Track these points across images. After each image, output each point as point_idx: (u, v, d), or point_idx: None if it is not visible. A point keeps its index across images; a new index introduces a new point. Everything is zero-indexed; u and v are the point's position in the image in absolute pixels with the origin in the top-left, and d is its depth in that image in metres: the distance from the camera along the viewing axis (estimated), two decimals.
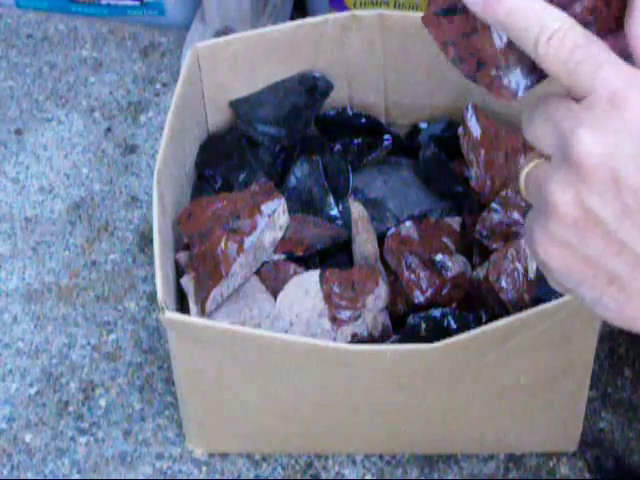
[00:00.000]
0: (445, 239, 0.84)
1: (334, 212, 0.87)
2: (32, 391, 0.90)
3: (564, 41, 0.41)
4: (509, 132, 0.88)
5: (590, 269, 0.41)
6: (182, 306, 0.80)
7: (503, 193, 0.84)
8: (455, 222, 0.86)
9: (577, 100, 0.41)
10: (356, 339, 0.78)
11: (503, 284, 0.77)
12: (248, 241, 0.78)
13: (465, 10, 0.45)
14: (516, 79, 0.46)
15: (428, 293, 0.80)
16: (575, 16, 0.44)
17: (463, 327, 0.74)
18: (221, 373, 0.76)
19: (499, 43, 0.45)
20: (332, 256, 0.85)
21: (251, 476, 0.84)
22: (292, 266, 0.81)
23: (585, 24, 0.45)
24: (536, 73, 0.47)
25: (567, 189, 0.40)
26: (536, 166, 0.43)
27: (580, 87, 0.41)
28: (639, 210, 0.39)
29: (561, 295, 0.71)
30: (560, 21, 0.42)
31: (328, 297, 0.78)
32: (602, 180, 0.39)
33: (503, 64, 0.46)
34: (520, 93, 0.47)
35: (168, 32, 1.23)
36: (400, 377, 0.74)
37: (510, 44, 0.46)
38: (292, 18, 1.19)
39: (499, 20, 0.43)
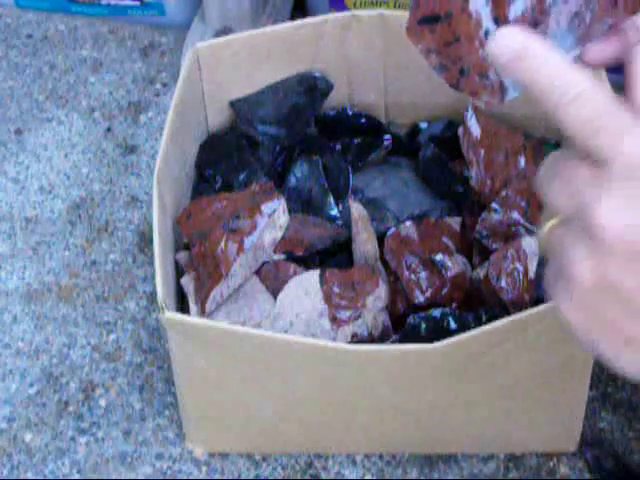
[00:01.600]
0: (445, 239, 0.84)
1: (334, 212, 0.87)
2: (32, 391, 0.90)
3: (585, 106, 0.42)
4: (509, 132, 0.88)
5: (608, 331, 0.42)
6: (182, 306, 0.80)
7: (503, 193, 0.84)
8: (455, 222, 0.86)
9: (595, 165, 0.41)
10: (356, 339, 0.78)
11: (503, 284, 0.77)
12: (248, 241, 0.78)
13: (447, 18, 0.45)
14: (500, 84, 0.46)
15: (428, 293, 0.80)
16: None
17: (463, 327, 0.74)
18: (221, 373, 0.76)
19: (482, 51, 0.45)
20: (332, 256, 0.85)
21: (251, 476, 0.84)
22: (292, 266, 0.81)
23: None
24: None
25: (587, 258, 0.41)
26: (558, 225, 0.44)
27: (599, 154, 0.41)
28: None
29: None
30: (582, 85, 0.42)
31: (328, 297, 0.78)
32: (622, 252, 0.40)
33: (487, 71, 0.46)
34: (505, 99, 0.47)
35: (168, 32, 1.23)
36: (400, 377, 0.74)
37: None
38: (292, 18, 1.19)
39: (521, 78, 0.43)
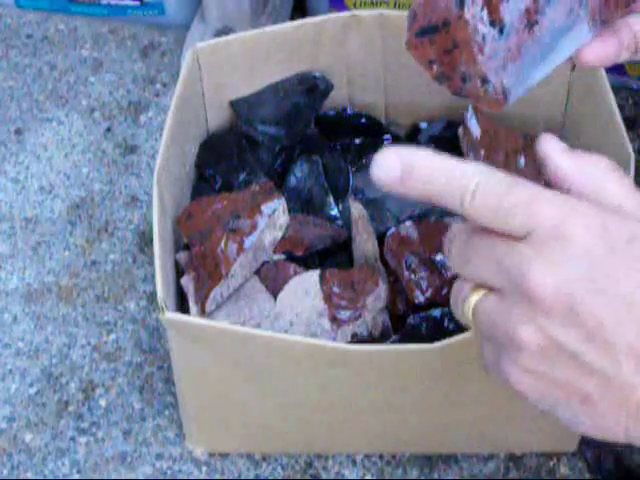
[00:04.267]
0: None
1: (334, 212, 0.87)
2: (32, 391, 0.90)
3: (488, 194, 0.42)
4: (509, 132, 0.88)
5: (562, 392, 0.42)
6: (182, 306, 0.80)
7: None
8: (455, 222, 0.86)
9: (517, 238, 0.42)
10: (356, 339, 0.78)
11: None
12: (248, 241, 0.78)
13: (445, 27, 0.45)
14: (502, 87, 0.47)
15: (428, 293, 0.80)
16: None
17: (463, 327, 0.73)
18: (221, 373, 0.76)
19: (481, 55, 0.45)
20: (332, 256, 0.85)
21: (251, 476, 0.84)
22: (292, 266, 0.81)
23: None
24: (523, 80, 0.47)
25: (528, 323, 0.41)
26: (485, 299, 0.44)
27: (518, 229, 0.42)
28: (599, 332, 0.40)
29: None
30: (477, 175, 0.42)
31: (328, 297, 0.78)
32: (560, 309, 0.40)
33: (487, 75, 0.46)
34: (509, 101, 0.47)
35: (168, 32, 1.23)
36: (400, 377, 0.74)
37: (492, 56, 0.46)
38: (292, 18, 1.19)
39: (419, 193, 0.43)
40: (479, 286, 0.44)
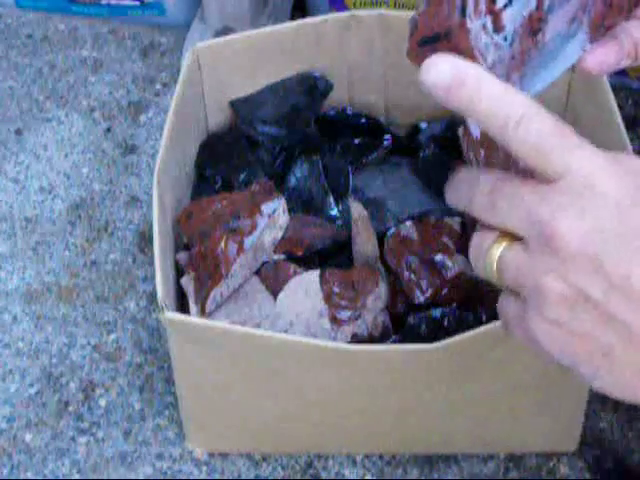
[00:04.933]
0: (445, 239, 0.84)
1: (334, 212, 0.87)
2: (32, 391, 0.90)
3: (531, 127, 0.42)
4: None
5: (585, 344, 0.42)
6: (182, 306, 0.80)
7: None
8: (455, 222, 0.86)
9: (546, 182, 0.42)
10: (356, 339, 0.78)
11: None
12: (248, 241, 0.78)
13: (447, 35, 0.45)
14: None
15: (428, 293, 0.80)
16: None
17: (463, 327, 0.73)
18: (221, 373, 0.76)
19: (484, 64, 0.45)
20: (332, 256, 0.85)
21: (251, 476, 0.84)
22: (292, 266, 0.81)
23: None
24: (525, 89, 0.47)
25: (553, 272, 0.41)
26: (509, 249, 0.44)
27: (551, 171, 0.42)
28: (623, 283, 0.40)
29: None
30: (525, 107, 0.42)
31: (328, 297, 0.78)
32: (586, 259, 0.41)
33: None
34: None
35: (168, 32, 1.23)
36: (400, 377, 0.74)
37: (496, 64, 0.45)
38: (292, 18, 1.19)
39: (463, 106, 0.43)
40: (502, 236, 0.44)
